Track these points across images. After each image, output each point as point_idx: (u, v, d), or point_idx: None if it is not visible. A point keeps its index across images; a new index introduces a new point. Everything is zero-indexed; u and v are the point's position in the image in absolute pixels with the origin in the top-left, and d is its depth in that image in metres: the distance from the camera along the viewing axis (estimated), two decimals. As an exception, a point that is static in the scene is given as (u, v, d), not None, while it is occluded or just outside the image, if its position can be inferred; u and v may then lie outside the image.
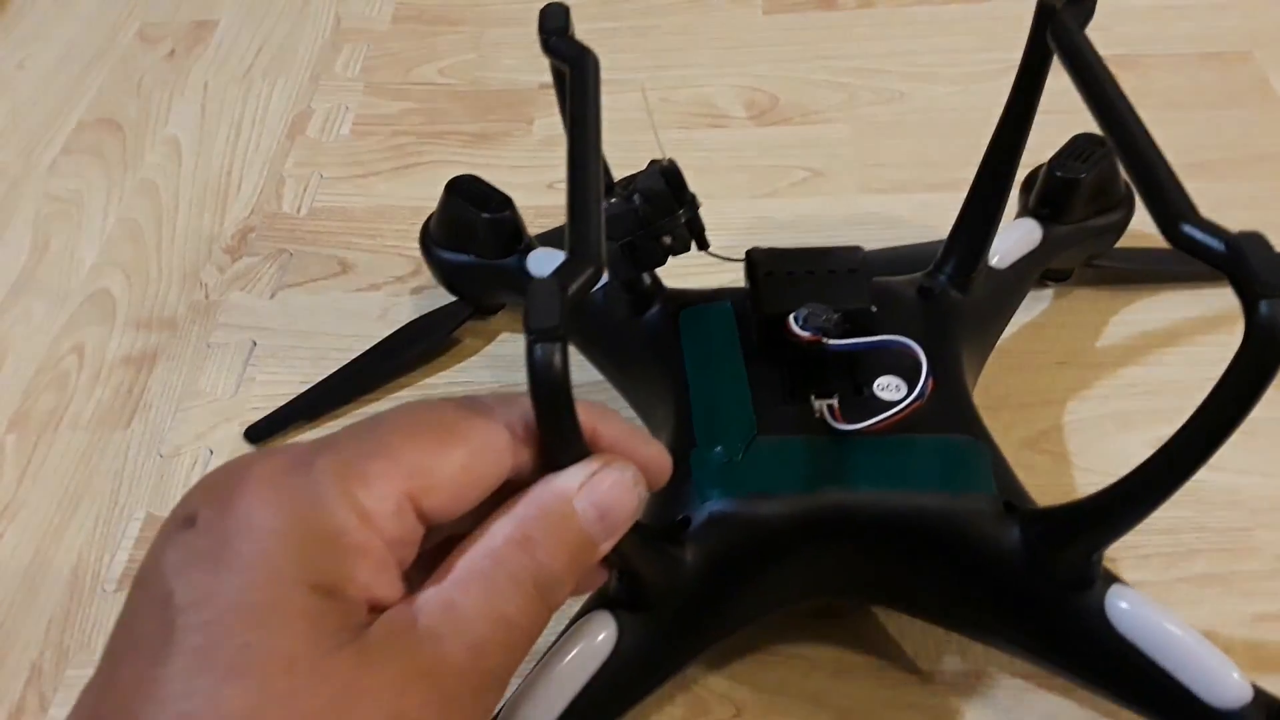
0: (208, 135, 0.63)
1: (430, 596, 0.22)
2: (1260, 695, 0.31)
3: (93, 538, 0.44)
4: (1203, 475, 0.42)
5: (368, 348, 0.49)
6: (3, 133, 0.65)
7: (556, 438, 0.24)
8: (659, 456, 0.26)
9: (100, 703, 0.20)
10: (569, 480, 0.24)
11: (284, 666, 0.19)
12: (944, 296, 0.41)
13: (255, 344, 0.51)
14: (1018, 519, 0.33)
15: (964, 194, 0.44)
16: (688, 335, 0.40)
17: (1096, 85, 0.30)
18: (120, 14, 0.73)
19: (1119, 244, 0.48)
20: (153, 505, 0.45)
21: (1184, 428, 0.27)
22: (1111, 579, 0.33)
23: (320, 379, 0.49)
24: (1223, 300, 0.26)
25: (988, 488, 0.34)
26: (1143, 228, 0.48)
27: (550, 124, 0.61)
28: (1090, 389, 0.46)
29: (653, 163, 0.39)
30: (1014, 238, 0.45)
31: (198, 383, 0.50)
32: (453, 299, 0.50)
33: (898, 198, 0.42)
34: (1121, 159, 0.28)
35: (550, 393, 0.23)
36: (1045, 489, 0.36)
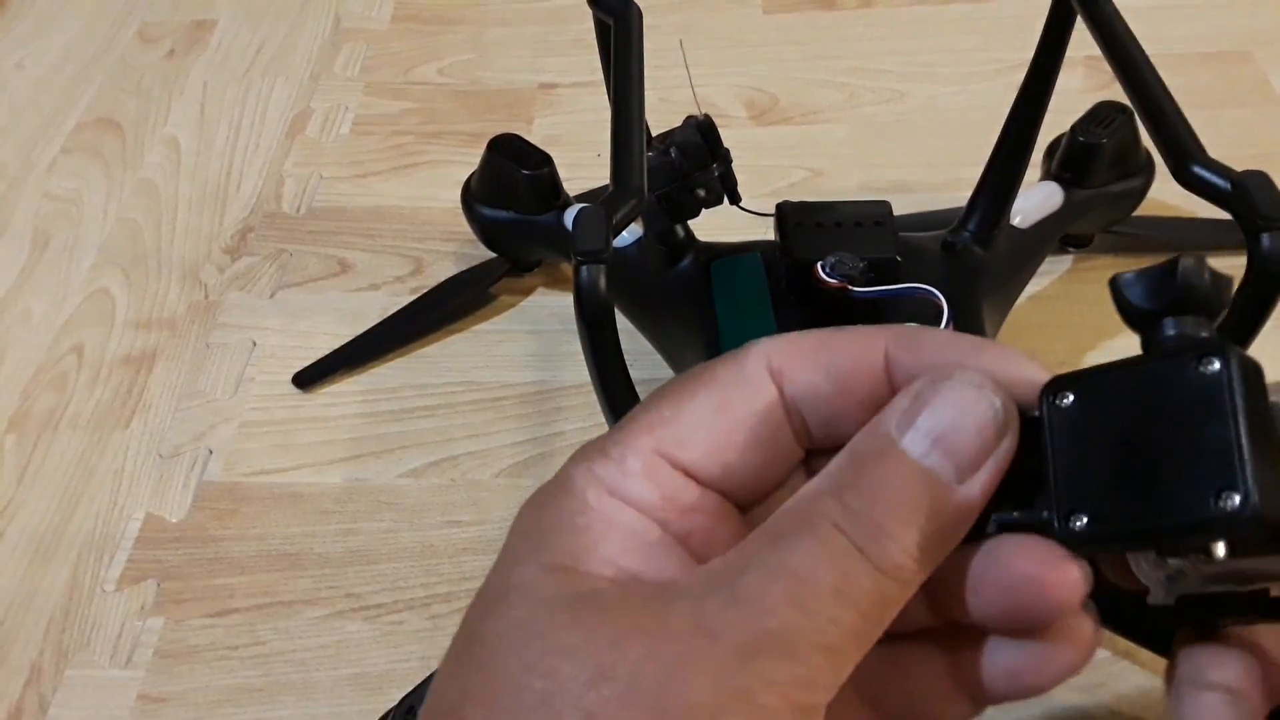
0: (207, 135, 0.63)
1: (704, 565, 0.19)
2: None
3: (93, 538, 0.44)
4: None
5: (409, 301, 0.51)
6: (2, 132, 0.65)
7: (601, 354, 0.26)
8: (1015, 364, 0.20)
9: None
10: (886, 415, 0.19)
11: (495, 642, 0.18)
12: (967, 252, 0.42)
13: (255, 344, 0.51)
14: None
15: (964, 193, 0.44)
16: (719, 285, 0.41)
17: (1114, 38, 0.31)
18: (119, 14, 0.73)
19: (1138, 212, 0.49)
20: (153, 505, 0.45)
21: None
22: None
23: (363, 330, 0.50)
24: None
25: None
26: (1162, 197, 0.48)
27: (550, 124, 0.60)
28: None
29: (689, 118, 0.40)
30: (1036, 199, 0.46)
31: (197, 383, 0.50)
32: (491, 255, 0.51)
33: (897, 197, 0.42)
34: (1135, 105, 0.29)
35: (594, 309, 0.26)
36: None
